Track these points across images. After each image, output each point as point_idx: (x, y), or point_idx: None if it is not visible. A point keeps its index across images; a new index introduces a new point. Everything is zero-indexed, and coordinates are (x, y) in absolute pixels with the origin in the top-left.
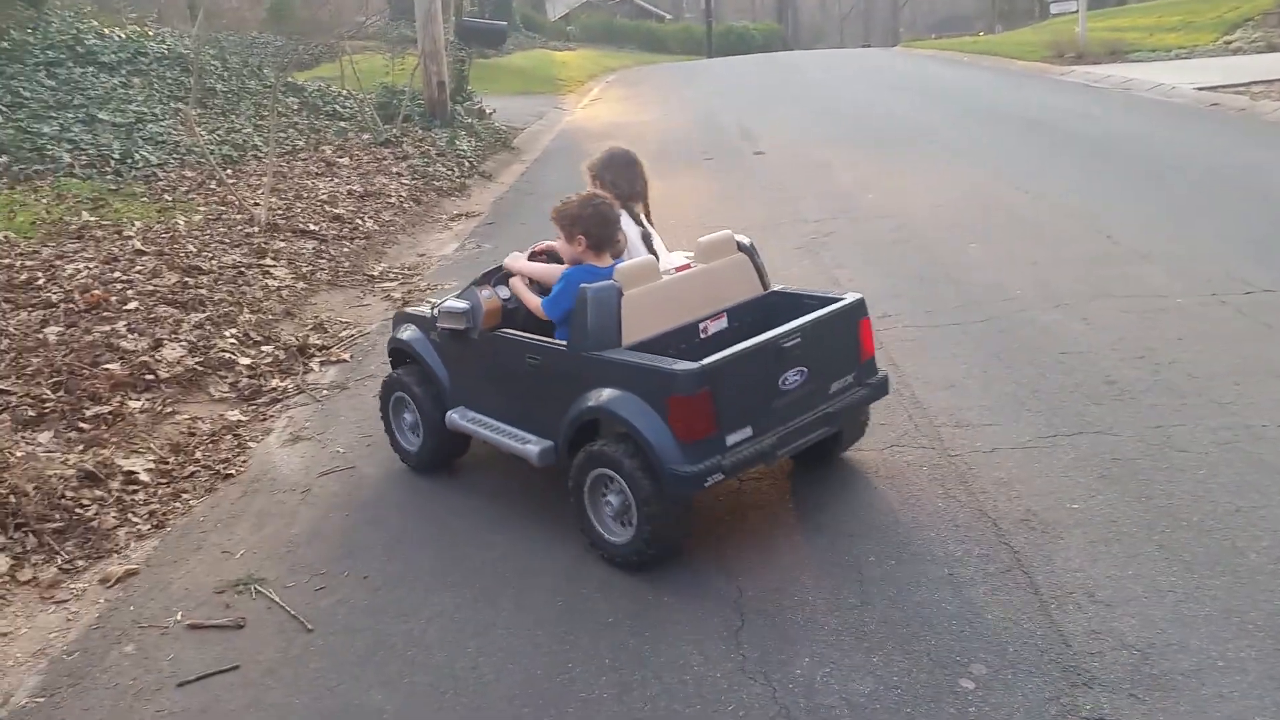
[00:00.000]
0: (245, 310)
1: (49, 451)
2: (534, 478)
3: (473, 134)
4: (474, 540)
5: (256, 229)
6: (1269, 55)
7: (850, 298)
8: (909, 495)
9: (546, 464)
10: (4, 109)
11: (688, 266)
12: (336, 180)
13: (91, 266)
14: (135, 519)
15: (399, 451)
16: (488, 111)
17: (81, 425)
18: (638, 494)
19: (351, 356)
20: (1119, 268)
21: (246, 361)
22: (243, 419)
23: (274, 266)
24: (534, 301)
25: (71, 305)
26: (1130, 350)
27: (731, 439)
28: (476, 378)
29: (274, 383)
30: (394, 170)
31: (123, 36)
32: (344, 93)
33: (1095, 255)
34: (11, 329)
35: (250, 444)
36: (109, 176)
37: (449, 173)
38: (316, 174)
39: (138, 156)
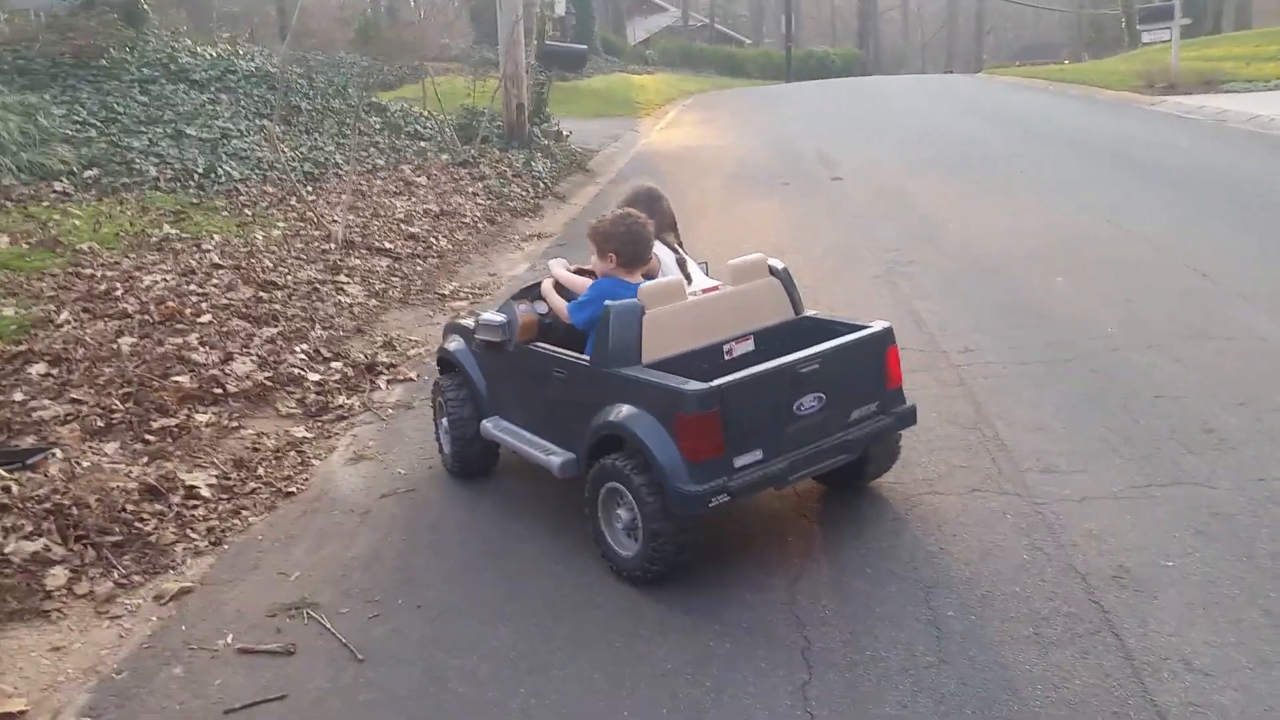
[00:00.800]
0: (317, 326)
1: (114, 462)
2: None
3: (549, 155)
4: (534, 569)
5: (332, 246)
6: None
7: (877, 326)
8: (992, 545)
9: (568, 475)
10: (98, 124)
11: (717, 288)
12: (414, 199)
13: (169, 279)
14: (194, 535)
15: (441, 455)
16: (565, 134)
17: (148, 437)
18: (643, 510)
19: (419, 375)
20: (1215, 307)
21: (315, 378)
22: (308, 436)
23: (347, 283)
24: (560, 304)
25: (147, 317)
26: (1229, 396)
27: (740, 461)
28: (510, 389)
29: (341, 400)
30: (470, 190)
31: (214, 55)
32: (425, 113)
33: (1189, 292)
34: (88, 338)
35: (314, 461)
36: (192, 190)
37: (523, 194)
38: (395, 193)
39: (221, 171)
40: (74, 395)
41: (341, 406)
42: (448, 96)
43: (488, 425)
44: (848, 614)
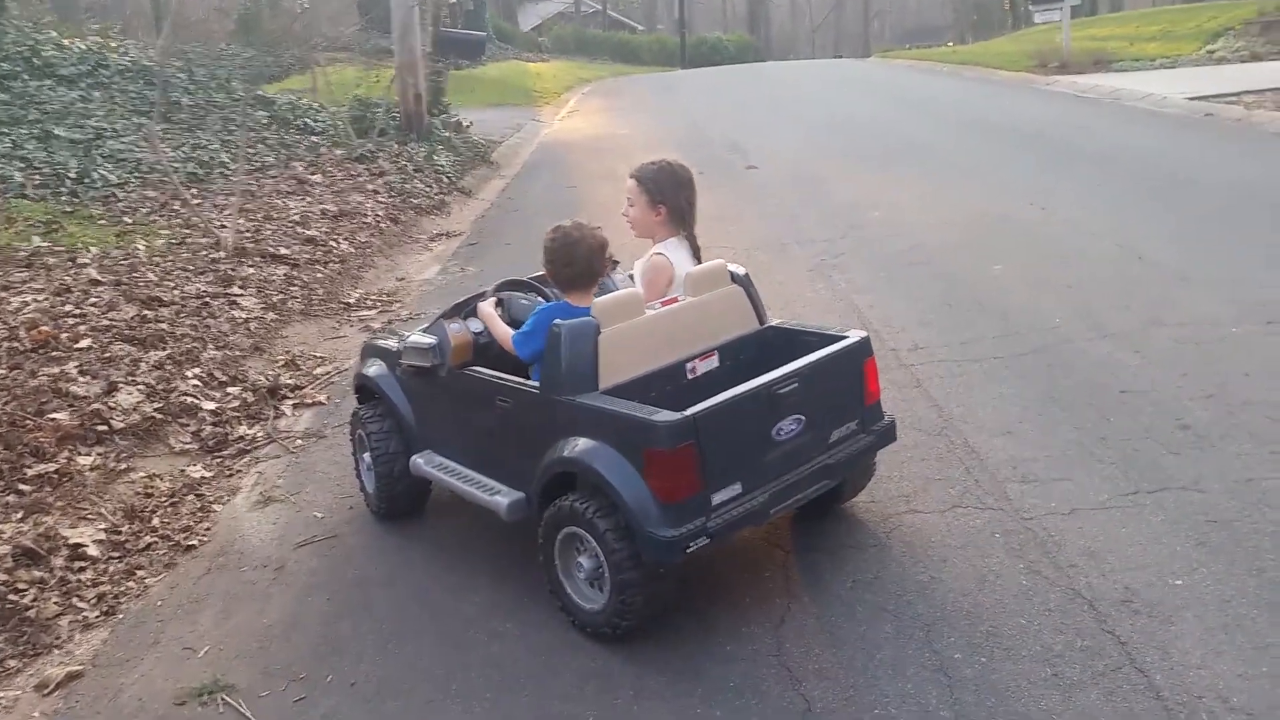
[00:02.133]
0: (210, 346)
1: None
2: None
3: (450, 148)
4: (480, 628)
5: (223, 254)
6: (1254, 65)
7: (854, 336)
8: (985, 570)
9: (516, 518)
10: None
11: (675, 300)
12: (309, 199)
13: (41, 299)
14: (81, 604)
15: (363, 494)
16: (465, 124)
17: (22, 487)
18: (609, 559)
19: (329, 398)
20: (1159, 291)
21: (211, 406)
22: (206, 475)
23: (242, 295)
24: (503, 333)
25: (16, 344)
26: (1197, 388)
27: (718, 498)
28: (444, 419)
29: (241, 430)
30: (370, 188)
31: (84, 48)
32: (316, 106)
33: (1131, 277)
34: None
35: (215, 506)
36: (64, 197)
37: (427, 189)
38: (288, 192)
39: (96, 175)
40: None
41: (243, 439)
42: (339, 87)
43: (419, 461)
44: (844, 662)
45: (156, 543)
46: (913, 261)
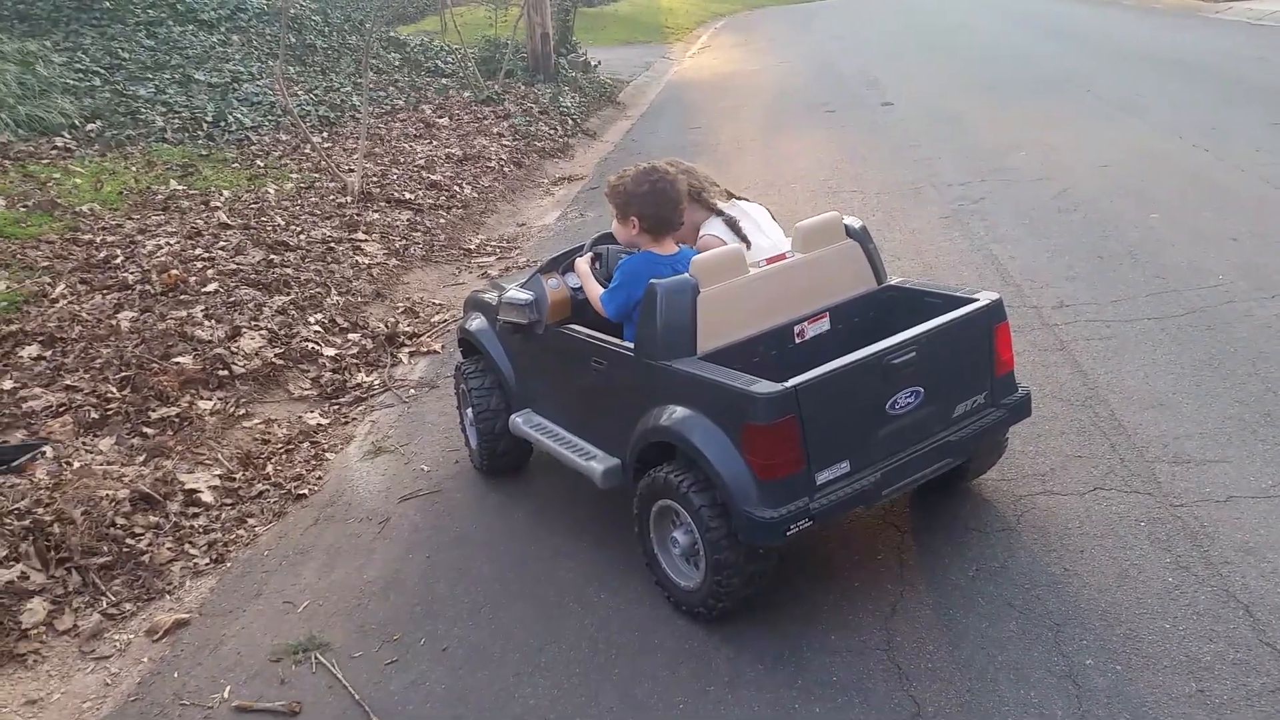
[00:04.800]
0: (333, 291)
1: (109, 461)
2: None
3: (577, 89)
4: (576, 597)
5: (349, 199)
6: None
7: (985, 298)
8: (1126, 564)
9: (611, 485)
10: (102, 71)
11: (784, 256)
12: (435, 143)
13: (173, 242)
14: (193, 551)
15: (467, 449)
16: (592, 64)
17: (146, 430)
18: (705, 537)
19: (443, 347)
20: None
21: (331, 353)
22: (322, 422)
23: (366, 241)
24: (594, 291)
25: (148, 287)
26: None
27: (823, 477)
28: (542, 378)
29: (359, 377)
30: (494, 130)
31: None
32: (448, 47)
33: None
34: (85, 314)
35: (328, 455)
36: (201, 140)
37: (551, 132)
38: (415, 135)
39: (231, 119)
40: (68, 381)
41: (360, 386)
42: (469, 28)
43: (518, 420)
44: (961, 662)
45: (269, 490)
46: (1061, 208)
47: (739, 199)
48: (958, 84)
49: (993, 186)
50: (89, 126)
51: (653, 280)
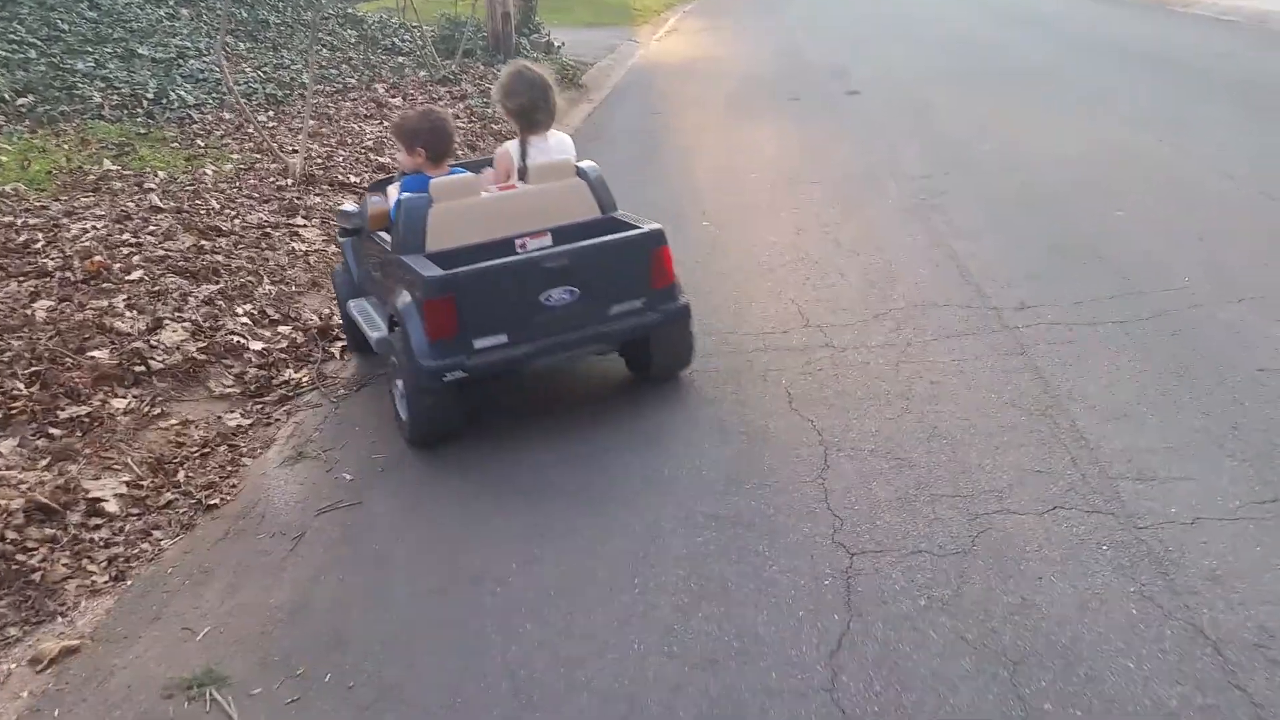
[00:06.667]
0: (265, 280)
1: (7, 467)
2: (591, 537)
3: None
4: (499, 626)
5: (290, 181)
6: None
7: (647, 228)
8: (1088, 593)
9: (381, 352)
10: (39, 42)
11: (513, 187)
12: (386, 123)
13: (100, 226)
14: (91, 567)
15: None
16: (555, 45)
17: (53, 430)
18: (403, 381)
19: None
20: None
21: (258, 347)
22: (243, 423)
23: (304, 227)
24: (391, 204)
25: (69, 274)
26: None
27: (480, 343)
28: (366, 272)
29: (287, 374)
30: (450, 111)
31: None
32: (406, 25)
33: (1274, 230)
34: None
35: (245, 460)
36: (140, 119)
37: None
38: (365, 115)
39: (173, 96)
40: None
41: (287, 383)
42: (432, 4)
43: (350, 305)
44: (910, 706)
45: (178, 500)
46: (1023, 202)
47: (559, 132)
48: (926, 73)
49: (956, 179)
50: (19, 102)
51: (402, 194)
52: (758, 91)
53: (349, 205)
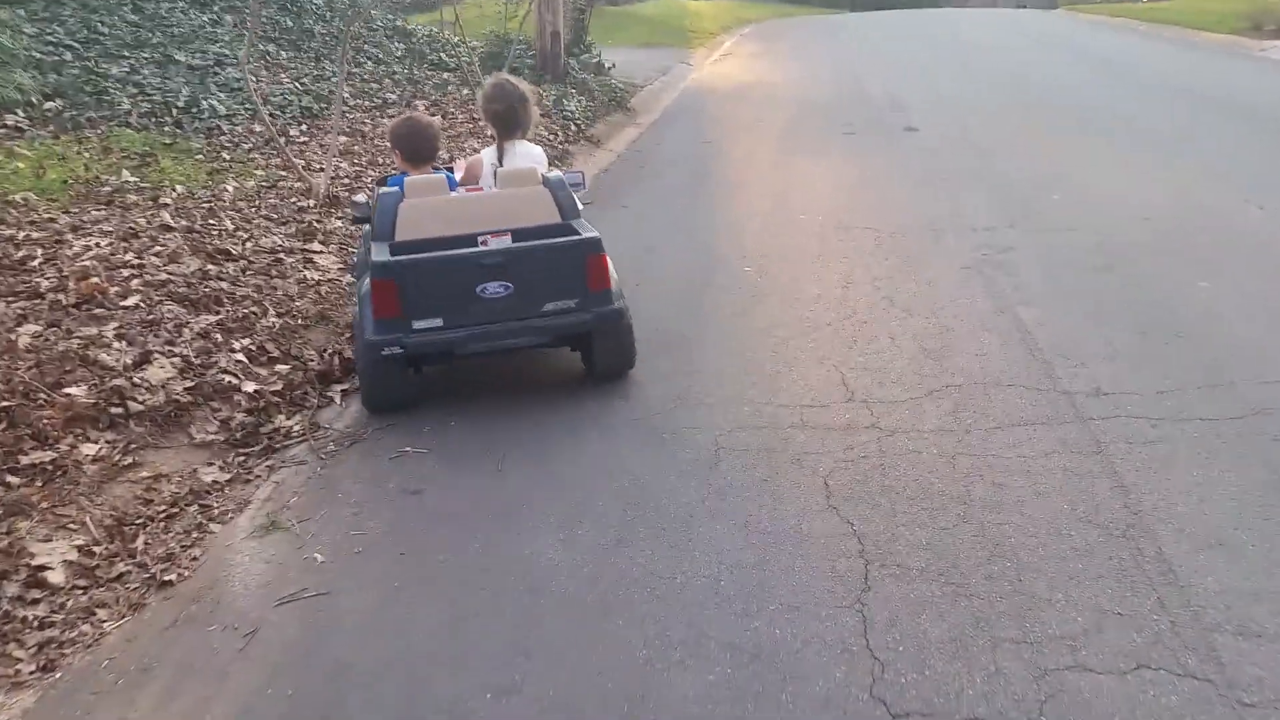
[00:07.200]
0: (270, 312)
1: None
2: (582, 660)
3: (585, 92)
4: None
5: (312, 202)
6: None
7: (585, 235)
8: None
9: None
10: (76, 45)
11: (480, 189)
12: None
13: (104, 244)
14: (19, 653)
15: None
16: (607, 66)
17: (12, 478)
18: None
19: None
20: None
21: (250, 388)
22: (219, 479)
23: (320, 252)
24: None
25: (61, 297)
26: None
27: (419, 325)
28: (362, 258)
29: (278, 420)
30: (488, 133)
31: None
32: (456, 40)
33: None
34: None
35: (213, 527)
36: (168, 127)
37: (551, 137)
38: None
39: (205, 105)
40: None
41: (276, 432)
42: (486, 20)
43: (358, 282)
44: None
45: (131, 573)
46: (1095, 264)
47: (530, 144)
48: (988, 110)
49: (1022, 233)
50: (47, 105)
51: (380, 189)
52: (812, 121)
53: (360, 196)
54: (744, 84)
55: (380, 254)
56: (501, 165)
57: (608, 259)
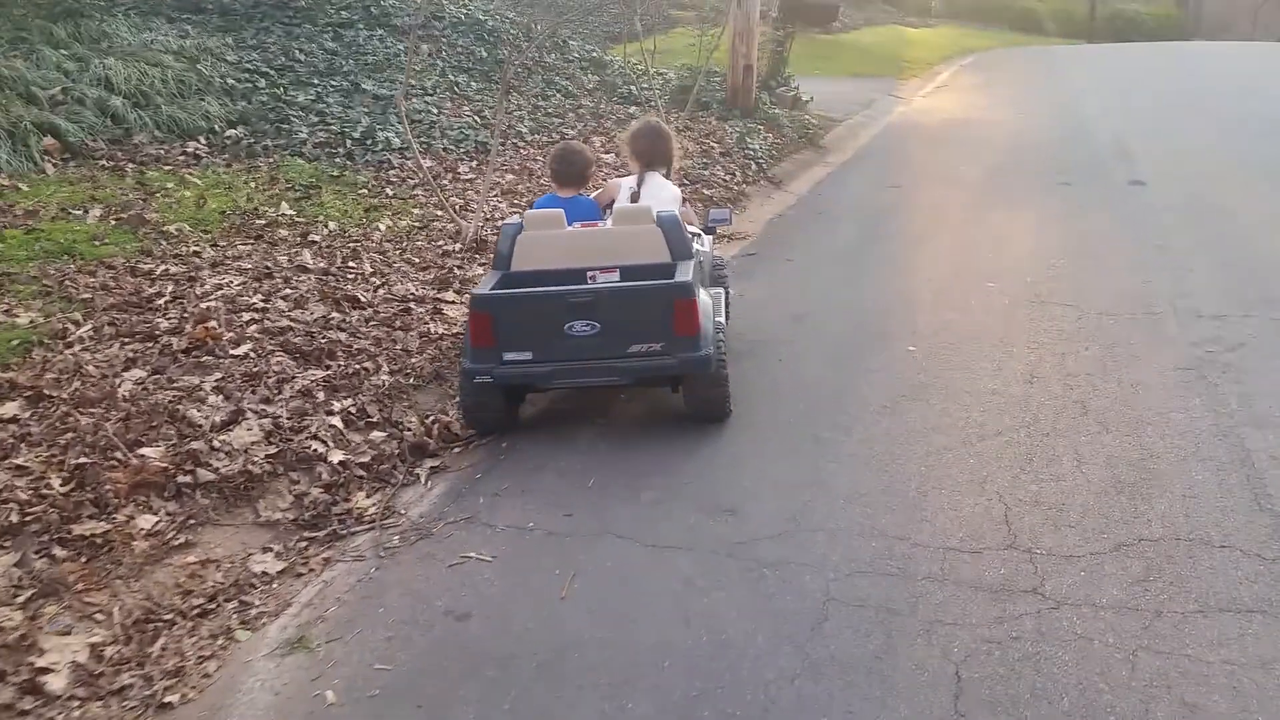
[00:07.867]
0: (383, 368)
1: None
2: None
3: (774, 127)
4: None
5: (459, 246)
6: None
7: (677, 279)
8: None
9: None
10: (271, 71)
11: (595, 225)
12: (594, 184)
13: (235, 283)
14: None
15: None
16: (804, 99)
17: (58, 550)
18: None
19: (472, 465)
20: None
21: (338, 458)
22: (270, 571)
23: (451, 303)
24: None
25: (173, 340)
26: None
27: (509, 356)
28: None
29: (355, 500)
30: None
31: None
32: (651, 72)
33: None
34: (90, 367)
35: (240, 634)
36: (339, 158)
37: (727, 178)
38: None
39: (380, 136)
40: (19, 460)
41: (348, 514)
42: (693, 52)
43: None
44: None
45: (134, 686)
46: None
47: (669, 181)
48: (1230, 164)
49: (1260, 325)
50: (229, 132)
51: (504, 220)
52: (1022, 168)
53: (514, 218)
54: (953, 120)
55: (484, 285)
56: (639, 191)
57: (698, 304)
